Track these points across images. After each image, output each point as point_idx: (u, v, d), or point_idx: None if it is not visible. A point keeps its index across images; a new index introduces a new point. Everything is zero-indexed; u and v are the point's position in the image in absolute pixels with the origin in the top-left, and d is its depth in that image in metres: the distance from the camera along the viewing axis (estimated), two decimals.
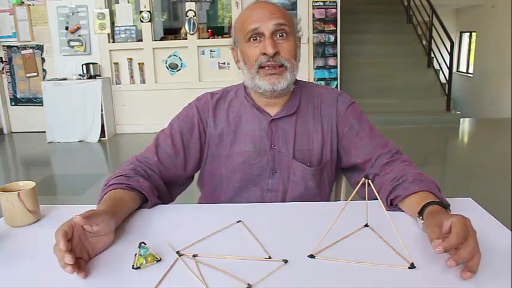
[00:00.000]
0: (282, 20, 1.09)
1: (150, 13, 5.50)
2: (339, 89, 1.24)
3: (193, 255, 0.81)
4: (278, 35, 1.10)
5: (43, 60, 5.69)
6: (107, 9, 5.46)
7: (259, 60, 1.10)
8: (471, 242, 0.71)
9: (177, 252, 0.82)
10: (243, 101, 1.20)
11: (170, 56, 5.63)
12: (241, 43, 1.14)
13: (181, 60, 5.64)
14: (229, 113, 1.20)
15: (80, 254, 0.78)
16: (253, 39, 1.10)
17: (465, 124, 6.03)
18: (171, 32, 6.38)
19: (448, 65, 5.95)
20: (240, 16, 1.16)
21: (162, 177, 1.15)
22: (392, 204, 1.01)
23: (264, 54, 1.09)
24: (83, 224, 0.78)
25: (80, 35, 5.54)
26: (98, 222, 0.81)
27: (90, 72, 5.42)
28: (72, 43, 5.54)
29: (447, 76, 6.00)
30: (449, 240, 0.70)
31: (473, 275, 0.70)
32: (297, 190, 1.18)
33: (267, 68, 1.10)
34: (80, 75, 5.39)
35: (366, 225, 0.92)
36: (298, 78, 1.20)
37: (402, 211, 0.99)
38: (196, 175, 1.28)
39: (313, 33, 5.55)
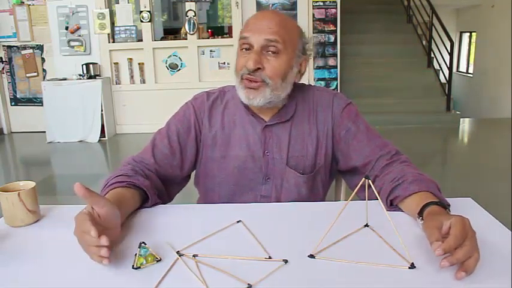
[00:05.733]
0: (275, 36, 1.05)
1: (150, 13, 5.50)
2: (338, 89, 1.22)
3: (193, 255, 0.81)
4: (269, 51, 1.06)
5: (43, 60, 5.69)
6: (107, 9, 5.46)
7: (242, 71, 1.09)
8: (468, 243, 0.72)
9: (177, 252, 0.82)
10: (239, 104, 1.18)
11: (170, 56, 5.63)
12: (237, 47, 1.14)
13: (181, 60, 5.64)
14: (224, 115, 1.19)
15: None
16: (245, 49, 1.09)
17: (465, 124, 6.03)
18: (171, 32, 6.38)
19: (448, 65, 5.96)
20: (246, 20, 1.15)
21: (159, 177, 1.15)
22: (392, 205, 1.01)
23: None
24: (82, 194, 0.77)
25: (80, 35, 5.54)
26: (102, 205, 0.81)
27: (90, 72, 5.42)
28: (72, 43, 5.54)
29: (447, 76, 6.00)
30: (447, 242, 0.70)
31: (467, 275, 0.70)
32: (290, 196, 1.18)
33: (246, 81, 1.09)
34: (80, 75, 5.39)
35: (366, 225, 0.92)
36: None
37: (402, 211, 0.99)
38: (193, 175, 1.27)
39: (313, 33, 5.55)
